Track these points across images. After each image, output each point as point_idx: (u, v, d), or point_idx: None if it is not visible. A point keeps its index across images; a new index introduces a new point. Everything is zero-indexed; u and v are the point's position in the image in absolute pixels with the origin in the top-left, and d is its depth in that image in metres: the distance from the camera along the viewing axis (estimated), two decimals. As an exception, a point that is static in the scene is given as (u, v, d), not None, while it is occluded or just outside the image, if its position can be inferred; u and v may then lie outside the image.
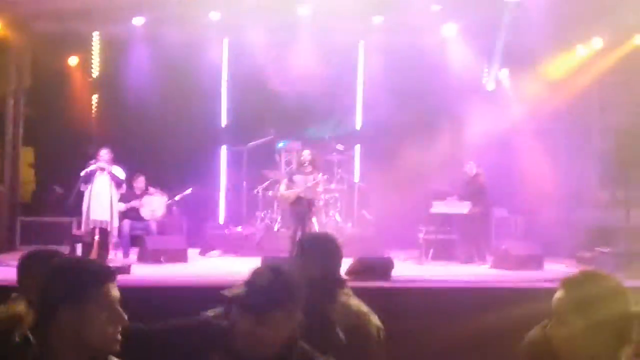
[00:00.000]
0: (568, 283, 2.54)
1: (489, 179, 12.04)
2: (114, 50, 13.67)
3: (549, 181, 12.16)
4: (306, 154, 11.38)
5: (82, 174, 10.72)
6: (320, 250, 3.80)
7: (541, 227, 11.86)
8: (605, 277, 2.56)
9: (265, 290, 2.64)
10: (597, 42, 12.62)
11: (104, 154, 10.80)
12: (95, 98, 14.38)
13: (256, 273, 2.72)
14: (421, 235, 12.17)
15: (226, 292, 2.70)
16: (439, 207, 12.01)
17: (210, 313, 3.01)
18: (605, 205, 11.93)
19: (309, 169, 11.20)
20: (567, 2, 11.38)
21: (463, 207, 11.72)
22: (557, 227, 11.56)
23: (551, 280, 8.67)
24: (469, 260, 11.59)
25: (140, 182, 12.07)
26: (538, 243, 11.40)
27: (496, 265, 10.96)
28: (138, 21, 13.02)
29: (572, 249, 11.59)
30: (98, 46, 14.10)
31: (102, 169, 10.67)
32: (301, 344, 2.73)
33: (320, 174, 11.51)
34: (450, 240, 12.33)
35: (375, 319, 3.74)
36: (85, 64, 14.03)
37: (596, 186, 11.93)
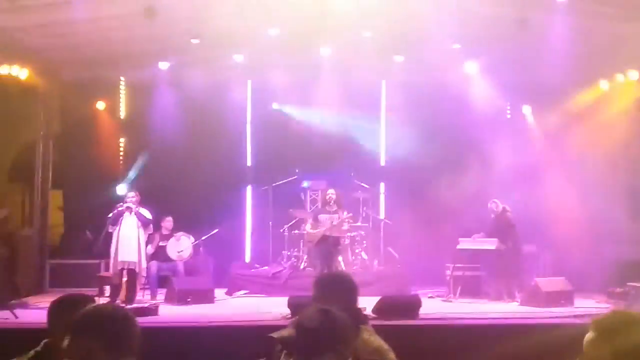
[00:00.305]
0: (600, 325, 2.49)
1: (516, 215, 11.95)
2: (140, 94, 13.92)
3: (578, 216, 12.03)
4: (331, 193, 11.48)
5: (110, 215, 10.87)
6: (337, 289, 3.88)
7: (571, 262, 11.70)
8: (635, 316, 2.51)
9: (314, 332, 2.59)
10: (619, 77, 12.58)
11: (131, 196, 10.93)
12: (122, 141, 14.59)
13: (305, 315, 2.69)
14: (449, 272, 12.10)
15: (274, 335, 2.67)
16: (466, 244, 11.93)
17: None
18: (635, 239, 11.76)
19: (334, 207, 11.31)
20: (589, 38, 11.39)
21: (491, 244, 11.63)
22: (587, 263, 11.40)
23: (581, 316, 8.57)
24: (497, 297, 11.46)
25: (168, 222, 12.20)
26: (568, 279, 11.25)
27: (526, 302, 10.82)
28: (163, 65, 13.26)
29: (603, 284, 11.41)
30: (124, 90, 14.36)
31: (130, 211, 10.79)
32: None
33: (345, 212, 11.58)
34: (478, 277, 12.23)
35: (393, 356, 3.74)
36: (113, 108, 14.32)
37: (626, 220, 11.78)
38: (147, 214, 10.98)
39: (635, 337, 2.40)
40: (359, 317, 3.93)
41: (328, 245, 11.07)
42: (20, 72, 11.78)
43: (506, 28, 11.12)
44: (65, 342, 2.55)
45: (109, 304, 3.37)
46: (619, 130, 12.63)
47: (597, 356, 2.40)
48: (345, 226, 11.71)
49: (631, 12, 10.70)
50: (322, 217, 11.32)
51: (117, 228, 10.84)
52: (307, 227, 11.54)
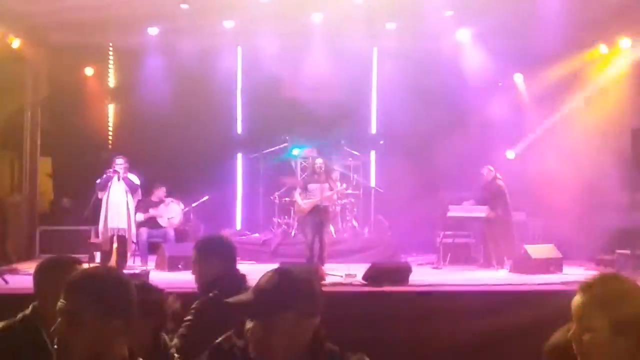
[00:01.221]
0: (587, 286, 2.48)
1: (506, 182, 11.97)
2: (129, 60, 13.76)
3: (568, 183, 12.06)
4: (319, 162, 11.45)
5: (98, 181, 10.82)
6: (217, 252, 4.22)
7: (560, 230, 11.75)
8: (625, 279, 2.50)
9: (273, 291, 2.48)
10: (612, 45, 12.54)
11: (120, 162, 10.87)
12: (111, 108, 14.47)
13: (263, 277, 2.57)
14: (438, 240, 12.15)
15: (231, 300, 2.54)
16: (456, 211, 11.96)
17: (219, 339, 2.73)
18: (624, 207, 11.81)
19: (323, 177, 11.29)
20: (587, 3, 11.31)
21: (480, 211, 11.67)
22: (576, 230, 11.46)
23: (570, 283, 8.64)
24: (487, 264, 11.53)
25: (161, 191, 12.15)
26: (558, 246, 11.32)
27: (515, 269, 10.88)
28: (152, 31, 13.10)
29: (592, 251, 11.50)
30: (113, 56, 14.20)
31: (118, 177, 10.74)
32: (329, 347, 2.56)
33: (338, 182, 11.63)
34: (468, 244, 12.32)
35: None
36: (101, 75, 14.15)
37: (615, 188, 11.82)
38: (135, 179, 10.93)
39: (633, 306, 2.39)
40: (239, 277, 4.15)
41: (319, 215, 11.07)
42: (7, 37, 11.59)
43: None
44: (59, 305, 2.50)
45: (102, 266, 3.33)
46: (611, 98, 12.63)
47: (594, 326, 2.39)
48: (336, 196, 11.72)
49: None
50: (311, 186, 11.29)
51: (106, 194, 10.78)
52: (297, 197, 11.53)
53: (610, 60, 12.80)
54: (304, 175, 12.48)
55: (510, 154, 13.87)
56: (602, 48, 12.85)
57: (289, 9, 12.19)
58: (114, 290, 2.52)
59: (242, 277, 4.15)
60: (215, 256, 4.20)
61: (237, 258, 4.32)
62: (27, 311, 3.38)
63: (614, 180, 11.67)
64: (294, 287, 2.51)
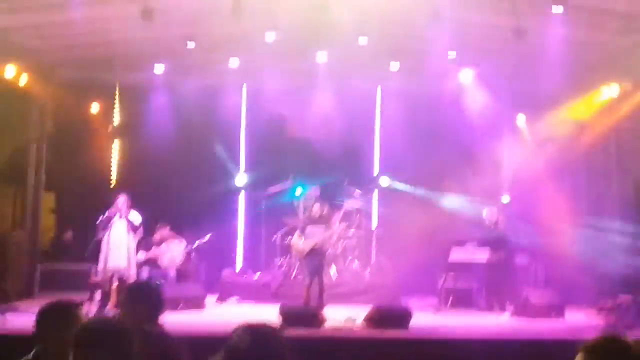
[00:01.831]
0: (590, 348, 2.47)
1: (509, 225, 11.92)
2: (135, 97, 13.84)
3: (570, 227, 12.02)
4: (316, 207, 11.38)
5: (99, 220, 10.79)
6: (145, 300, 4.17)
7: (563, 275, 11.68)
8: (626, 342, 2.49)
9: (245, 353, 2.46)
10: (614, 89, 12.55)
11: (121, 200, 10.86)
12: (116, 144, 14.52)
13: (235, 335, 2.54)
14: (440, 283, 12.07)
15: None
16: (458, 254, 11.89)
17: None
18: (627, 252, 11.74)
19: (321, 219, 11.26)
20: (584, 48, 11.40)
21: (483, 255, 11.60)
22: (578, 275, 11.38)
23: (571, 332, 8.55)
24: (489, 308, 11.43)
25: (164, 231, 12.11)
26: (559, 291, 11.24)
27: (516, 313, 10.80)
28: (158, 68, 13.21)
29: (594, 296, 11.40)
30: (119, 93, 14.28)
31: (120, 215, 10.71)
32: None
33: (337, 223, 11.61)
34: (470, 287, 12.20)
35: None
36: (107, 111, 14.21)
37: (617, 233, 11.76)
38: (137, 218, 10.90)
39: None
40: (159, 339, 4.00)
41: (317, 257, 11.02)
42: (15, 73, 11.69)
43: (502, 37, 11.12)
44: (70, 358, 2.71)
45: (107, 316, 3.59)
46: (611, 141, 12.64)
47: None
48: (334, 238, 11.73)
49: (628, 24, 10.69)
50: (310, 228, 11.25)
51: (107, 233, 10.74)
52: (295, 239, 11.49)
53: (613, 103, 12.80)
54: (303, 217, 12.41)
55: (505, 199, 13.80)
56: (604, 91, 12.85)
57: (294, 48, 12.30)
58: (123, 342, 2.73)
59: (161, 338, 4.03)
60: (143, 303, 4.14)
61: (162, 311, 4.22)
62: (30, 356, 3.41)
63: (616, 226, 11.62)
64: (267, 348, 2.50)
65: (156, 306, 4.18)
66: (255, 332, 2.54)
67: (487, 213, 11.97)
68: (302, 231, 11.29)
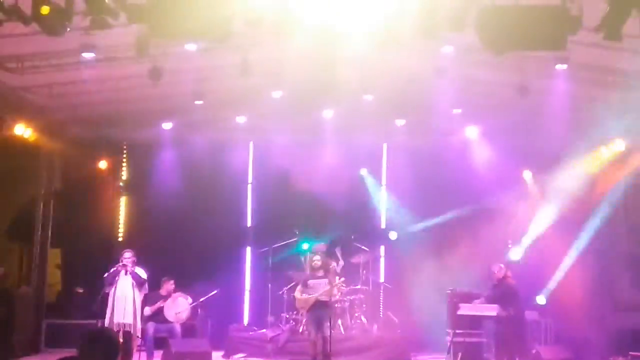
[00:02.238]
0: None
1: (517, 280, 11.85)
2: (143, 154, 13.97)
3: (580, 284, 11.94)
4: (316, 259, 11.40)
5: (105, 275, 10.79)
6: (102, 350, 3.89)
7: (573, 330, 11.56)
8: None
9: None
10: (620, 144, 12.62)
11: (128, 256, 10.87)
12: (123, 201, 14.57)
13: None
14: (449, 339, 11.94)
15: None
16: (466, 310, 11.79)
17: None
18: (638, 307, 11.65)
19: (321, 273, 11.26)
20: (589, 105, 11.51)
21: (492, 310, 11.49)
22: (589, 331, 11.27)
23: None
24: (500, 364, 11.28)
25: (170, 285, 12.07)
26: (570, 347, 11.11)
27: (527, 369, 10.66)
28: (166, 126, 13.37)
29: (605, 352, 11.26)
30: (127, 150, 14.41)
31: (126, 271, 10.70)
32: None
33: (337, 277, 11.58)
34: (480, 343, 12.05)
35: None
36: (115, 168, 14.31)
37: (628, 288, 11.70)
38: (142, 273, 10.89)
39: None
40: None
41: (320, 311, 10.97)
42: (25, 131, 11.82)
43: (506, 94, 11.25)
44: None
45: None
46: (619, 198, 12.64)
47: None
48: (336, 291, 11.66)
49: (631, 80, 10.81)
50: (311, 282, 11.23)
51: (113, 289, 10.71)
52: (296, 293, 11.46)
53: (620, 159, 12.83)
54: (304, 273, 12.37)
55: (514, 255, 13.74)
56: (609, 148, 12.91)
57: (300, 105, 12.44)
58: None
59: None
60: (100, 354, 3.93)
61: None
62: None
63: (626, 281, 11.56)
64: None
65: (113, 353, 3.99)
66: None
67: (496, 268, 11.90)
68: (304, 285, 11.27)
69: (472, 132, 13.57)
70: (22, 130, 11.78)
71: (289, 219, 13.83)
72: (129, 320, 10.65)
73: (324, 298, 11.14)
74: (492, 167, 13.34)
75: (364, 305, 13.16)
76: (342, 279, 12.17)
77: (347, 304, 12.75)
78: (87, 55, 9.57)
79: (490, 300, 11.68)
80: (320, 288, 11.09)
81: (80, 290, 13.45)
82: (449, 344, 11.90)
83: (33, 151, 12.67)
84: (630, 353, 10.59)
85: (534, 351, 10.89)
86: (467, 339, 11.84)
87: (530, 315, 12.22)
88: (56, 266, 14.33)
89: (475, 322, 11.91)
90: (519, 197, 13.99)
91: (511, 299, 11.54)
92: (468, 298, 12.06)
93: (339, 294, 12.48)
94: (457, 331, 11.82)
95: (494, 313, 11.44)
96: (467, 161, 13.57)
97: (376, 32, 8.38)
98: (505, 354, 11.26)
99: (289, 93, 11.96)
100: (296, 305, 11.92)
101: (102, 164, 14.16)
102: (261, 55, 10.68)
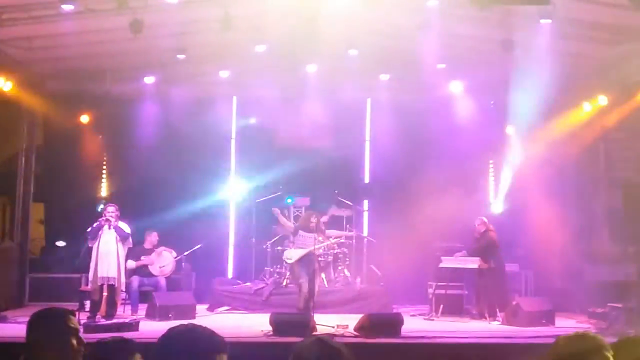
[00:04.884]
0: (555, 344, 2.65)
1: (499, 234, 11.99)
2: (125, 108, 13.82)
3: (560, 236, 12.10)
4: (314, 220, 11.31)
5: (89, 230, 10.79)
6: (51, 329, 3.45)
7: (553, 282, 11.75)
8: (593, 337, 2.66)
9: None
10: (602, 99, 12.67)
11: (111, 210, 10.87)
12: (105, 155, 14.50)
13: (302, 346, 2.58)
14: (431, 290, 12.12)
15: None
16: (448, 262, 11.95)
17: None
18: (616, 260, 11.84)
19: (313, 229, 11.23)
20: (573, 60, 11.52)
21: (473, 263, 11.66)
22: (568, 283, 11.46)
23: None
24: (479, 316, 11.48)
25: (153, 237, 12.12)
26: (549, 298, 11.30)
27: (507, 321, 10.85)
28: (148, 80, 13.25)
29: (584, 304, 11.47)
30: (109, 104, 14.26)
31: (109, 225, 10.71)
32: None
33: (331, 238, 11.64)
34: (461, 295, 12.25)
35: None
36: (96, 122, 14.16)
37: (607, 241, 11.87)
38: (126, 228, 10.90)
39: (583, 346, 2.65)
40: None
41: (311, 262, 11.03)
42: (4, 84, 11.67)
43: (491, 49, 11.24)
44: None
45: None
46: (600, 150, 12.75)
47: None
48: (322, 250, 11.77)
49: (616, 35, 10.83)
50: (302, 234, 11.21)
51: (97, 243, 10.73)
52: (287, 254, 11.48)
53: (602, 114, 12.90)
54: (295, 224, 12.38)
55: (496, 208, 13.89)
56: (591, 103, 12.96)
57: (284, 60, 12.37)
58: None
59: None
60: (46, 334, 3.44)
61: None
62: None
63: (606, 234, 11.73)
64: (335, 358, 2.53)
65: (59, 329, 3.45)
66: (322, 343, 2.58)
67: (478, 222, 12.03)
68: (295, 235, 11.29)
69: (456, 87, 13.56)
70: (2, 84, 11.63)
71: (272, 174, 13.85)
72: (113, 274, 10.70)
73: (313, 253, 11.16)
74: (476, 122, 13.37)
75: (348, 259, 13.28)
76: (336, 239, 12.18)
77: (330, 257, 12.85)
78: (67, 7, 9.45)
79: (472, 253, 11.84)
80: (309, 243, 11.11)
81: (62, 244, 13.46)
82: (431, 296, 12.09)
83: (14, 105, 12.50)
84: (609, 304, 10.78)
85: (514, 302, 11.06)
86: (449, 291, 12.03)
87: (510, 267, 12.41)
88: (39, 221, 14.30)
89: (457, 274, 12.10)
90: (502, 152, 14.07)
91: (492, 251, 11.72)
92: (450, 251, 12.22)
93: (332, 250, 12.59)
94: (439, 283, 12.00)
95: (475, 265, 11.63)
96: (451, 117, 13.58)
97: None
98: (485, 306, 11.46)
99: (273, 47, 11.86)
100: (284, 258, 11.93)
101: (84, 118, 14.01)
102: (244, 9, 10.59)
